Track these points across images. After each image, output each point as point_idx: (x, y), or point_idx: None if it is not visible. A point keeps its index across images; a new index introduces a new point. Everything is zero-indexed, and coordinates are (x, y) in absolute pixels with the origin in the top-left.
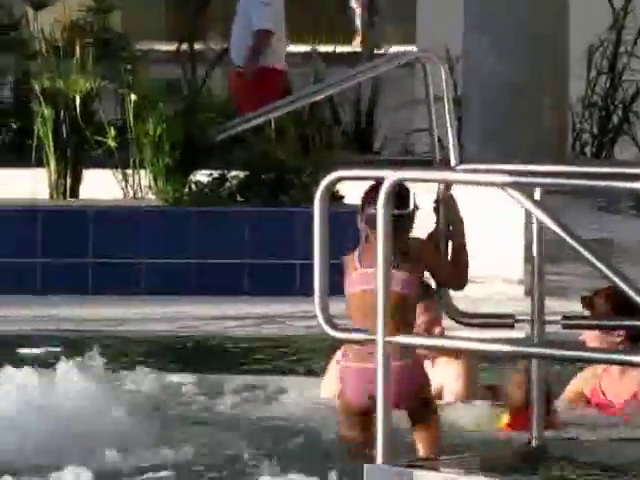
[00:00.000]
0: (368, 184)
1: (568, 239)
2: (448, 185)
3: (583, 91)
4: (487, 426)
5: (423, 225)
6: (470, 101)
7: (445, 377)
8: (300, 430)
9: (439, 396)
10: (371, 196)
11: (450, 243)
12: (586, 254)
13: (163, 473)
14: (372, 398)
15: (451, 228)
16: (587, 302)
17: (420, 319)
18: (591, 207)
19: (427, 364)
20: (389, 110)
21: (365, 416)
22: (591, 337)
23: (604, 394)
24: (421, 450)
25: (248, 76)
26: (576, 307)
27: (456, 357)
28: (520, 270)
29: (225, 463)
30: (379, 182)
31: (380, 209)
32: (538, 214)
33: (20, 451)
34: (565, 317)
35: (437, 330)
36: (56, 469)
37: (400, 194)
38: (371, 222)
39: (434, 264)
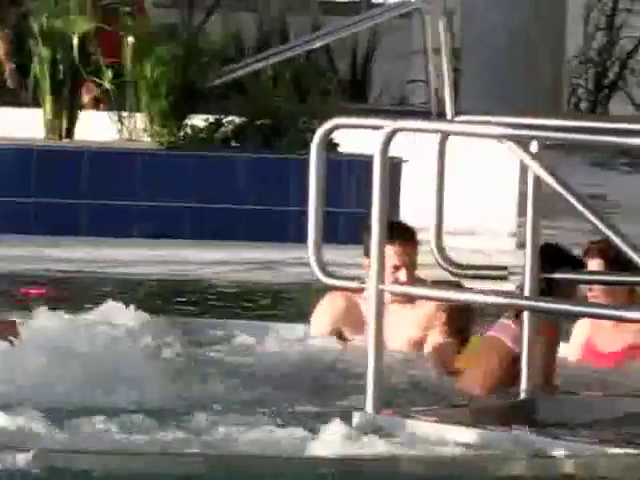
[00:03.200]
0: (363, 132)
1: (564, 193)
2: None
3: (580, 47)
4: None
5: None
6: (467, 53)
7: (429, 326)
8: (287, 373)
9: (421, 344)
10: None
11: None
12: (581, 208)
13: (142, 416)
14: None
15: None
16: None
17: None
18: (584, 162)
19: (408, 310)
20: (386, 60)
21: None
22: (594, 292)
23: (596, 345)
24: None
25: None
26: None
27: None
28: (513, 223)
29: (211, 408)
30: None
31: (377, 157)
32: (535, 167)
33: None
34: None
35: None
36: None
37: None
38: None
39: None
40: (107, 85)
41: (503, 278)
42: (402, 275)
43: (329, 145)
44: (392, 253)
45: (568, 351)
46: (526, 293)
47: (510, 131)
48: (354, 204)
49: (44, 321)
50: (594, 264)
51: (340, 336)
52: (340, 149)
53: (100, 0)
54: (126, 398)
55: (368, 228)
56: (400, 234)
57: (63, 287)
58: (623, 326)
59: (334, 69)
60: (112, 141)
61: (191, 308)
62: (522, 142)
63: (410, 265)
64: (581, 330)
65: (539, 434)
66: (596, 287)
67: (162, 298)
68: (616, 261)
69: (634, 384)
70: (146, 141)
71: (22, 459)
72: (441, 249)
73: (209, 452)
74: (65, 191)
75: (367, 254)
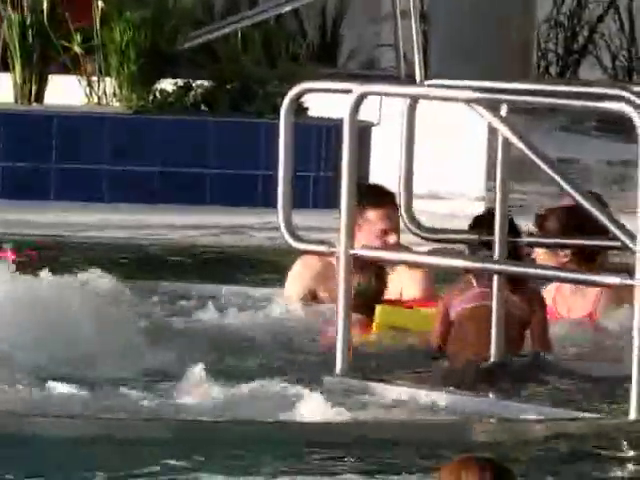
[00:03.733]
0: (332, 96)
1: (533, 156)
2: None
3: (550, 11)
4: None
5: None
6: (436, 17)
7: (404, 282)
8: (258, 337)
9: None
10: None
11: None
12: (550, 172)
13: (109, 382)
14: None
15: None
16: (540, 220)
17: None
18: (553, 127)
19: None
20: (356, 23)
21: None
22: (539, 256)
23: (558, 312)
24: None
25: None
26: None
27: None
28: (482, 187)
29: (178, 374)
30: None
31: (346, 121)
32: (504, 130)
33: None
34: (528, 235)
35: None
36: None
37: None
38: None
39: None
40: (76, 49)
41: (472, 243)
42: (392, 238)
43: (299, 109)
44: (380, 217)
45: None
46: (496, 257)
47: (479, 95)
48: (324, 168)
49: (17, 284)
50: (551, 228)
51: (314, 297)
52: (310, 113)
53: None
54: (98, 365)
55: None
56: (386, 199)
57: (31, 251)
58: (583, 292)
59: (303, 33)
60: (81, 105)
61: (160, 272)
62: (492, 106)
63: (396, 229)
64: (546, 296)
65: (507, 397)
66: (539, 250)
67: (131, 263)
68: (572, 226)
69: (594, 348)
70: (115, 105)
71: None
72: (410, 213)
73: (174, 417)
74: (34, 155)
75: None
